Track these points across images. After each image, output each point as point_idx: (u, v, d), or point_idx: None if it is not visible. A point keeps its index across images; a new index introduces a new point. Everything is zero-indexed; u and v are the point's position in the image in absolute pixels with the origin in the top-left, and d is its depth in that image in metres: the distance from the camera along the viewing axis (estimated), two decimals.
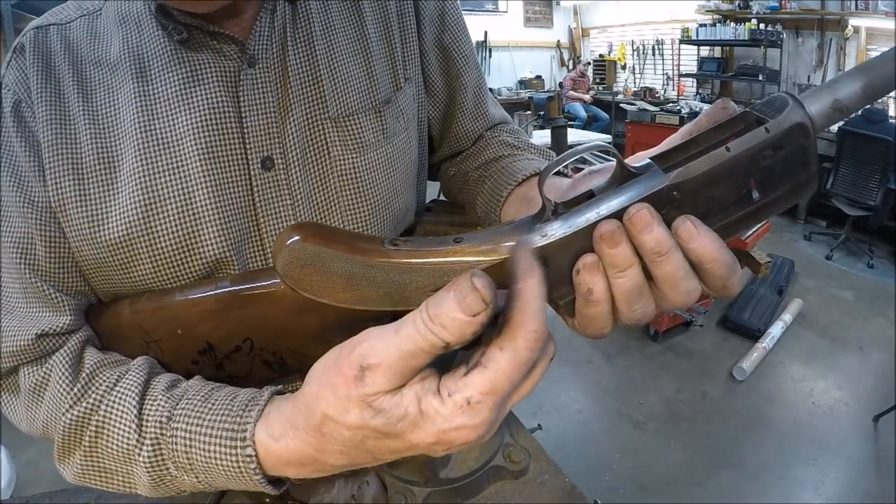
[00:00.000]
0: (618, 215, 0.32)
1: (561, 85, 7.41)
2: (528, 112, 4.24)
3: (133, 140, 0.46)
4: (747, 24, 5.44)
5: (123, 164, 0.46)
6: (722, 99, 0.37)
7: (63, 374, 0.43)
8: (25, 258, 0.45)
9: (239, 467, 0.36)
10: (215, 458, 0.37)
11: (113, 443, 0.41)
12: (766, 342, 2.79)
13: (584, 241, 0.33)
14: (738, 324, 2.93)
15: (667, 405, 2.45)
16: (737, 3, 5.76)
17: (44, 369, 0.45)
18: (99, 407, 0.42)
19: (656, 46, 7.01)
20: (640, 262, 0.33)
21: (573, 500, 0.55)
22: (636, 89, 7.17)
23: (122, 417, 0.41)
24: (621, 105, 6.39)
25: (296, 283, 0.35)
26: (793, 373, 2.67)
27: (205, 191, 0.47)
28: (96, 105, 0.47)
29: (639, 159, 0.37)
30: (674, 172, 0.33)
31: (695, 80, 6.52)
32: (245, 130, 0.48)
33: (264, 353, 0.45)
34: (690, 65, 6.52)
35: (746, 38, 5.48)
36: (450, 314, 0.27)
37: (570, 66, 8.09)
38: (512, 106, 5.93)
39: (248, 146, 0.48)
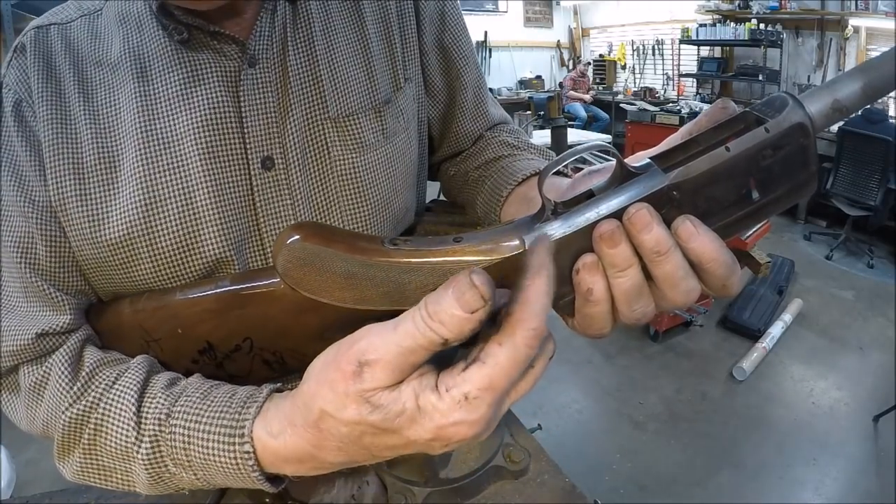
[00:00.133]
0: (617, 215, 0.32)
1: (561, 85, 7.41)
2: (528, 112, 4.24)
3: (133, 140, 0.46)
4: (747, 24, 5.44)
5: (124, 164, 0.46)
6: (722, 99, 0.37)
7: (62, 372, 0.44)
8: (26, 257, 0.45)
9: (237, 464, 0.36)
10: (213, 455, 0.37)
11: (112, 440, 0.41)
12: (766, 342, 2.79)
13: (583, 241, 0.33)
14: (738, 324, 2.93)
15: (667, 405, 2.45)
16: (737, 3, 5.76)
17: (43, 368, 0.45)
18: (98, 405, 0.42)
19: (656, 46, 7.01)
20: (639, 261, 0.32)
21: (573, 500, 0.55)
22: (636, 89, 7.17)
23: (120, 415, 0.41)
24: (621, 105, 6.39)
25: (296, 283, 0.35)
26: (793, 373, 2.67)
27: (205, 190, 0.47)
28: (97, 105, 0.47)
29: (638, 159, 0.37)
30: (673, 172, 0.33)
31: (695, 80, 6.52)
32: (245, 130, 0.48)
33: (264, 352, 0.45)
34: (690, 65, 6.52)
35: (746, 38, 5.48)
36: (448, 311, 0.27)
37: (570, 66, 8.09)
38: (512, 106, 5.93)
39: (248, 146, 0.48)
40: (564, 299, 0.35)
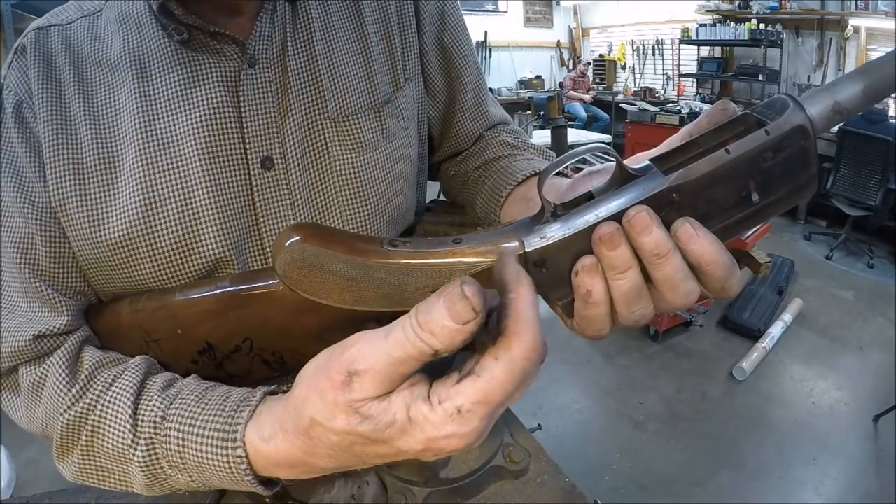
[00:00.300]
0: (617, 217, 0.32)
1: (561, 85, 7.41)
2: (528, 112, 4.24)
3: (133, 140, 0.46)
4: (747, 24, 5.44)
5: (124, 164, 0.47)
6: (722, 100, 0.37)
7: (60, 375, 0.44)
8: (25, 258, 0.46)
9: (230, 467, 0.36)
10: (207, 458, 0.37)
11: (109, 442, 0.41)
12: (766, 342, 2.79)
13: (583, 243, 0.33)
14: (738, 324, 2.93)
15: (667, 405, 2.45)
16: (737, 3, 5.76)
17: (41, 369, 0.45)
18: (95, 407, 0.42)
19: (656, 46, 7.01)
20: (638, 263, 0.32)
21: (573, 500, 0.55)
22: (636, 89, 7.17)
23: (117, 417, 0.41)
24: (621, 105, 6.39)
25: (295, 284, 0.35)
26: (793, 373, 2.67)
27: (205, 191, 0.47)
28: (97, 105, 0.47)
29: (638, 160, 0.37)
30: (673, 174, 0.32)
31: (695, 80, 6.52)
32: (245, 130, 0.48)
33: (264, 352, 0.45)
34: (690, 65, 6.52)
35: (746, 38, 5.48)
36: (439, 321, 0.26)
37: (570, 66, 8.09)
38: (512, 106, 5.93)
39: (247, 146, 0.48)
40: (563, 301, 0.35)
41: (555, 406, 2.45)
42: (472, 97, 0.66)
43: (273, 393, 0.38)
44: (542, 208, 0.34)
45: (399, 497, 0.56)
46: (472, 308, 0.26)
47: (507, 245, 0.32)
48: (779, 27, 5.32)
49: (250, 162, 0.48)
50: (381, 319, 0.46)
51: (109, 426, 0.41)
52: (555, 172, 0.34)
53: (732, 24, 5.67)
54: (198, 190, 0.47)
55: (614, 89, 7.35)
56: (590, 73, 7.51)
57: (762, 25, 5.35)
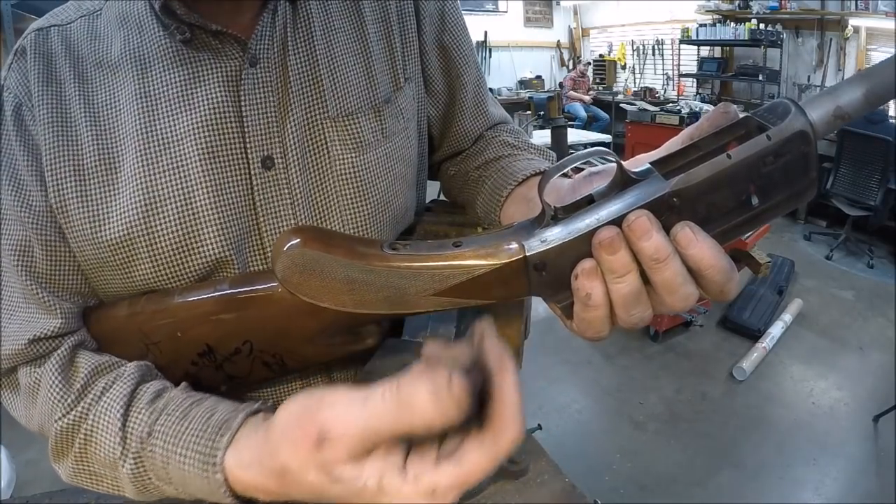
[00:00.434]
0: (617, 221, 0.32)
1: (561, 85, 7.40)
2: (528, 112, 4.24)
3: (134, 140, 0.46)
4: (747, 24, 5.44)
5: (124, 164, 0.47)
6: (724, 103, 0.37)
7: (54, 381, 0.45)
8: (22, 261, 0.46)
9: (210, 488, 0.37)
10: (189, 477, 0.38)
11: (100, 452, 0.42)
12: (766, 342, 2.79)
13: (583, 247, 0.33)
14: (738, 324, 2.93)
15: (667, 405, 2.45)
16: (737, 3, 5.76)
17: (38, 372, 0.46)
18: (87, 416, 0.43)
19: (656, 46, 7.01)
20: (638, 267, 0.33)
21: (573, 500, 0.55)
22: (636, 89, 7.17)
23: (107, 429, 0.42)
24: (621, 105, 6.38)
25: (295, 288, 0.35)
26: (793, 373, 2.67)
27: (204, 191, 0.47)
28: (97, 106, 0.47)
29: (639, 162, 0.37)
30: (674, 179, 0.32)
31: (695, 80, 6.52)
32: (245, 130, 0.48)
33: (264, 354, 0.45)
34: (690, 65, 6.52)
35: (746, 38, 5.47)
36: (421, 405, 0.26)
37: (570, 66, 8.09)
38: (512, 106, 5.92)
39: (248, 145, 0.48)
40: (563, 303, 0.35)
41: (555, 406, 2.45)
42: (473, 97, 0.66)
43: (257, 411, 0.39)
44: (542, 211, 0.34)
45: None
46: (458, 404, 0.26)
47: (508, 247, 0.32)
48: (779, 27, 5.32)
49: (251, 161, 0.48)
50: (381, 322, 0.46)
51: (100, 437, 0.42)
52: (556, 176, 0.34)
53: (732, 24, 5.67)
54: (198, 190, 0.47)
55: (614, 89, 7.35)
56: (590, 73, 7.50)
57: (762, 25, 5.35)
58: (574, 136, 4.91)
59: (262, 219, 0.50)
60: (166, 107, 0.47)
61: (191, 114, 0.47)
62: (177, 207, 0.46)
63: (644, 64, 7.25)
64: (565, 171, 0.34)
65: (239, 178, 0.48)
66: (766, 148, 0.32)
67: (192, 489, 0.38)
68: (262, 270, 0.50)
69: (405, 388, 0.27)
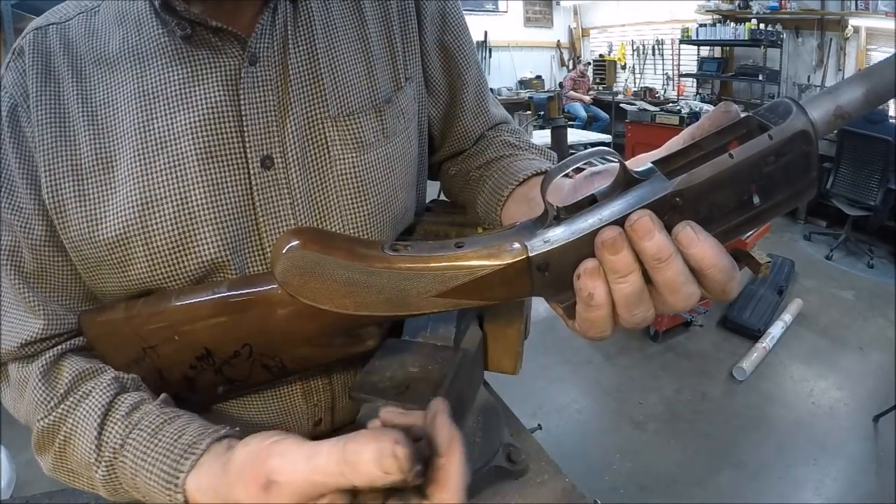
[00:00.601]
0: (619, 221, 0.32)
1: (561, 85, 7.40)
2: (528, 112, 4.23)
3: (131, 138, 0.46)
4: (747, 24, 5.44)
5: (121, 163, 0.46)
6: (725, 102, 0.37)
7: (37, 384, 0.46)
8: (12, 261, 0.47)
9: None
10: (154, 492, 0.39)
11: (77, 454, 0.44)
12: (766, 342, 2.79)
13: (585, 247, 0.33)
14: (738, 324, 2.93)
15: (667, 405, 2.44)
16: (737, 3, 5.75)
17: (25, 370, 0.48)
18: (67, 419, 0.45)
19: (656, 46, 7.00)
20: (640, 267, 0.33)
21: (573, 500, 0.55)
22: (636, 89, 7.17)
23: (84, 435, 0.44)
24: (621, 105, 6.38)
25: (295, 291, 0.35)
26: (793, 373, 2.67)
27: (202, 190, 0.47)
28: (95, 104, 0.47)
29: (640, 162, 0.37)
30: (677, 179, 0.32)
31: (695, 80, 6.51)
32: (245, 129, 0.48)
33: (264, 357, 0.45)
34: (690, 65, 6.52)
35: (746, 38, 5.47)
36: (365, 464, 0.27)
37: (570, 66, 8.08)
38: (512, 106, 5.92)
39: (247, 145, 0.48)
40: (565, 303, 0.35)
41: (555, 406, 2.44)
42: (474, 96, 0.65)
43: (223, 437, 0.40)
44: (545, 211, 0.34)
45: None
46: (400, 468, 0.26)
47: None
48: (779, 27, 5.32)
49: (250, 161, 0.48)
50: (382, 324, 0.46)
51: (78, 441, 0.44)
52: (558, 177, 0.34)
53: (732, 24, 5.66)
54: (195, 189, 0.47)
55: (614, 89, 7.34)
56: (590, 73, 7.50)
57: (762, 25, 5.34)
58: (574, 136, 4.91)
59: (261, 219, 0.50)
60: (164, 105, 0.47)
61: (189, 112, 0.47)
62: (173, 206, 0.46)
63: (644, 64, 7.25)
64: (567, 171, 0.34)
65: (238, 177, 0.48)
66: (767, 147, 0.32)
67: (158, 501, 0.40)
68: (261, 273, 0.50)
69: (350, 447, 0.28)
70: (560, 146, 3.85)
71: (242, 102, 0.48)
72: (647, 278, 0.33)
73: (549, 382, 2.56)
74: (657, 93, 6.86)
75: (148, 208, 0.46)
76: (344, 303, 0.35)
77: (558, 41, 8.19)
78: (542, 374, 2.59)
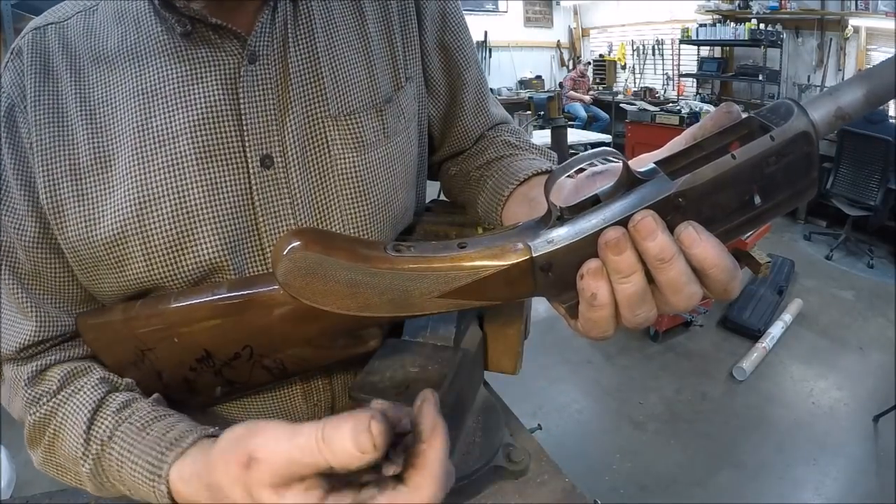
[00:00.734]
0: (623, 222, 0.32)
1: (561, 85, 7.40)
2: (528, 112, 4.23)
3: (129, 136, 0.46)
4: (747, 24, 5.44)
5: (119, 161, 0.46)
6: (726, 103, 0.37)
7: (29, 383, 0.48)
8: (7, 262, 0.48)
9: (156, 497, 0.39)
10: (138, 484, 0.40)
11: (65, 448, 0.45)
12: (766, 342, 2.79)
13: (589, 247, 0.33)
14: (738, 324, 2.93)
15: (667, 405, 2.44)
16: (737, 3, 5.75)
17: (19, 371, 0.49)
18: (57, 413, 0.46)
19: (656, 46, 7.00)
20: (643, 267, 0.33)
21: (573, 500, 0.55)
22: (636, 89, 7.17)
23: (73, 429, 0.44)
24: (621, 105, 6.38)
25: (297, 292, 0.35)
26: (793, 373, 2.67)
27: (200, 189, 0.47)
28: (93, 102, 0.47)
29: (642, 162, 0.37)
30: (680, 179, 0.33)
31: (695, 80, 6.51)
32: (244, 128, 0.48)
33: (264, 359, 0.45)
34: (690, 65, 6.52)
35: (746, 38, 5.47)
36: (341, 443, 0.27)
37: (570, 66, 8.08)
38: (512, 106, 5.92)
39: (246, 144, 0.48)
40: (568, 303, 0.35)
41: (555, 406, 2.44)
42: (474, 96, 0.65)
43: (212, 435, 0.40)
44: (548, 211, 0.34)
45: None
46: (374, 444, 0.27)
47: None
48: (779, 27, 5.32)
49: (249, 160, 0.48)
50: (383, 325, 0.46)
51: (67, 433, 0.45)
52: (562, 177, 0.34)
53: (732, 24, 5.66)
54: (193, 188, 0.47)
55: (614, 89, 7.35)
56: (590, 73, 7.50)
57: (762, 25, 5.34)
58: (574, 136, 4.91)
59: (260, 218, 0.49)
60: (163, 103, 0.47)
61: (188, 111, 0.47)
62: (171, 205, 0.46)
63: (644, 64, 7.25)
64: (571, 171, 0.34)
65: (237, 176, 0.48)
66: (769, 148, 0.33)
67: (143, 495, 0.41)
68: (262, 274, 0.50)
69: (330, 425, 0.28)
70: (560, 146, 3.85)
71: (242, 101, 0.48)
72: (650, 278, 0.33)
73: (549, 382, 2.56)
74: (657, 93, 6.86)
75: (146, 207, 0.46)
76: (346, 304, 0.35)
77: (558, 41, 8.19)
78: (542, 374, 2.59)
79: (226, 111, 0.48)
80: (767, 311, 3.01)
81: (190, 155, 0.47)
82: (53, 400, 0.47)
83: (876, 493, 1.98)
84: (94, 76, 0.48)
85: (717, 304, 3.00)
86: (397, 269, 0.34)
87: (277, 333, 0.42)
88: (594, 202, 0.34)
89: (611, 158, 0.34)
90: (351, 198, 0.53)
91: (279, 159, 0.49)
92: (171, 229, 0.46)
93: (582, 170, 0.44)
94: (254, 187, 0.49)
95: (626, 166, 0.33)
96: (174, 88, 0.47)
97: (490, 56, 7.47)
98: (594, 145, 5.59)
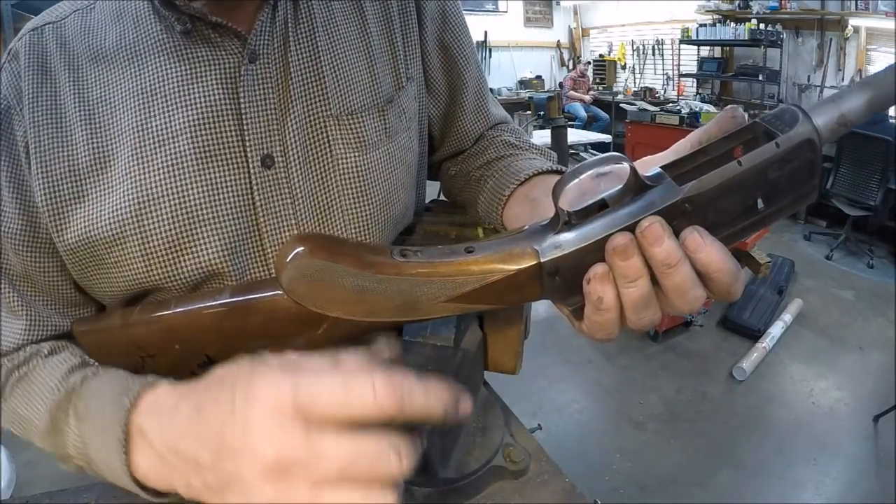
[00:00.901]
0: (630, 227, 0.33)
1: (561, 85, 7.40)
2: (528, 112, 4.23)
3: (128, 136, 0.46)
4: (747, 24, 5.44)
5: (118, 161, 0.46)
6: (732, 107, 0.38)
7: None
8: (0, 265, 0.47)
9: (115, 413, 0.37)
10: (107, 417, 0.37)
11: (35, 388, 0.45)
12: (766, 342, 2.79)
13: (596, 252, 0.33)
14: (738, 324, 2.93)
15: (667, 405, 2.44)
16: (737, 3, 5.75)
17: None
18: (30, 361, 0.47)
19: (656, 46, 7.00)
20: (648, 272, 0.33)
21: (573, 500, 0.55)
22: (636, 89, 7.17)
23: (47, 375, 0.45)
24: (621, 105, 6.39)
25: (302, 299, 0.35)
26: (793, 373, 2.67)
27: (200, 189, 0.47)
28: (92, 102, 0.47)
29: (646, 165, 0.37)
30: (687, 185, 0.33)
31: (695, 80, 6.51)
32: (245, 127, 0.48)
33: None
34: (690, 65, 6.52)
35: (746, 38, 5.47)
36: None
37: (570, 66, 8.08)
38: (512, 106, 5.92)
39: (247, 144, 0.48)
40: (574, 306, 0.35)
41: (555, 406, 2.44)
42: (474, 96, 0.65)
43: None
44: (555, 216, 0.34)
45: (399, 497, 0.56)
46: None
47: (522, 253, 0.32)
48: (779, 27, 5.32)
49: (250, 160, 0.48)
50: (388, 328, 0.45)
51: (38, 376, 0.45)
52: (571, 183, 0.34)
53: (732, 24, 5.66)
54: (193, 188, 0.47)
55: (614, 89, 7.35)
56: (590, 73, 7.50)
57: (762, 25, 5.34)
58: (574, 136, 4.90)
59: (261, 219, 0.49)
60: (162, 103, 0.47)
61: (187, 110, 0.47)
62: (171, 205, 0.46)
63: (644, 64, 7.25)
64: (580, 177, 0.34)
65: (237, 176, 0.48)
66: (774, 155, 0.33)
67: (98, 427, 0.38)
68: (265, 279, 0.50)
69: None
70: (560, 146, 3.85)
71: (242, 100, 0.48)
72: (655, 281, 0.33)
73: (549, 382, 2.56)
74: (657, 93, 6.86)
75: (145, 207, 0.46)
76: (353, 310, 0.34)
77: (558, 41, 8.19)
78: (542, 374, 2.59)
79: (226, 111, 0.47)
80: (767, 311, 3.01)
81: (190, 155, 0.46)
82: (33, 359, 0.47)
83: (876, 493, 1.98)
84: (92, 75, 0.47)
85: (717, 304, 3.00)
86: (405, 274, 0.34)
87: (281, 339, 0.42)
88: (601, 207, 0.34)
89: (618, 163, 0.34)
90: (352, 198, 0.53)
91: (280, 159, 0.49)
92: (170, 230, 0.46)
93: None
94: (254, 187, 0.49)
95: (633, 171, 0.33)
96: (174, 88, 0.47)
97: (490, 56, 7.47)
98: (594, 145, 5.60)
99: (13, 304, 0.48)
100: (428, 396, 0.28)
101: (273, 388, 0.28)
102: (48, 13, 0.50)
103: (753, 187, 0.33)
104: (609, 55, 7.62)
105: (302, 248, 0.34)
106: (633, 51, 7.33)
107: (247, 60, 0.48)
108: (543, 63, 8.10)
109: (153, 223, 0.46)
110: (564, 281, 0.34)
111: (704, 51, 6.34)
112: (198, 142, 0.47)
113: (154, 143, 0.46)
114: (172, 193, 0.46)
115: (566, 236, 0.33)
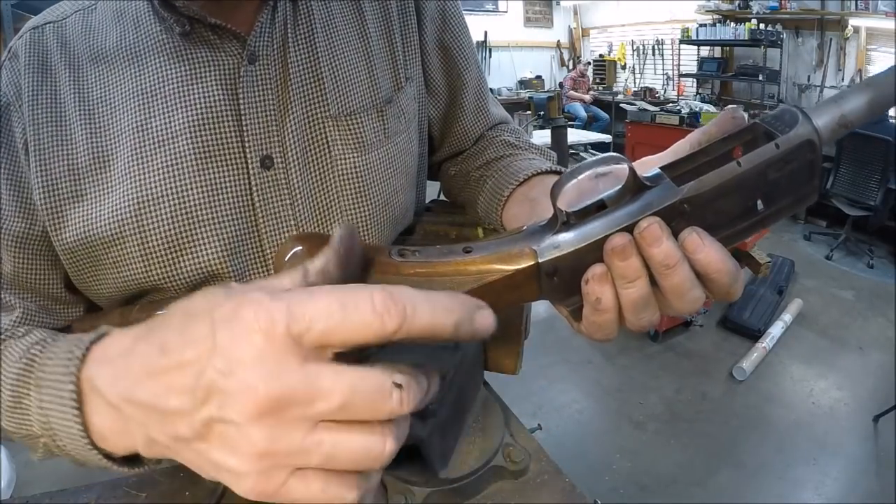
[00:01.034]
0: (628, 228, 0.33)
1: (561, 85, 7.40)
2: (528, 112, 4.23)
3: (128, 136, 0.46)
4: (747, 24, 5.44)
5: (117, 161, 0.46)
6: (732, 108, 0.38)
7: None
8: None
9: (64, 367, 0.32)
10: (54, 368, 0.33)
11: (5, 366, 0.38)
12: (766, 342, 2.79)
13: (594, 252, 0.33)
14: (738, 324, 2.93)
15: (667, 405, 2.45)
16: (737, 3, 5.76)
17: None
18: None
19: (656, 46, 7.01)
20: (647, 272, 0.33)
21: (573, 500, 0.55)
22: (636, 89, 7.17)
23: (16, 344, 0.39)
24: (621, 105, 6.38)
25: None
26: (793, 373, 2.67)
27: (199, 190, 0.47)
28: (92, 103, 0.47)
29: (645, 165, 0.37)
30: (686, 186, 0.33)
31: (695, 80, 6.51)
32: (244, 128, 0.48)
33: None
34: (690, 65, 6.52)
35: (746, 38, 5.47)
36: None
37: (570, 66, 8.09)
38: (512, 106, 5.92)
39: (246, 144, 0.48)
40: (572, 307, 0.35)
41: (555, 406, 2.44)
42: (473, 96, 0.66)
43: None
44: (553, 216, 0.34)
45: (399, 497, 0.56)
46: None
47: (520, 254, 0.32)
48: (779, 27, 5.32)
49: (249, 161, 0.48)
50: None
51: (5, 355, 0.39)
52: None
53: (732, 24, 5.66)
54: (192, 189, 0.47)
55: (614, 89, 7.35)
56: (590, 73, 7.51)
57: (762, 25, 5.35)
58: (574, 136, 4.91)
59: (260, 219, 0.49)
60: (162, 103, 0.47)
61: (187, 111, 0.47)
62: (170, 206, 0.46)
63: (644, 64, 7.25)
64: (578, 178, 0.34)
65: (237, 177, 0.48)
66: (774, 156, 0.33)
67: (53, 392, 0.32)
68: (264, 280, 0.50)
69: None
70: (560, 146, 3.85)
71: (241, 101, 0.48)
72: (654, 282, 0.33)
73: (549, 382, 2.56)
74: (657, 93, 6.87)
75: (144, 207, 0.46)
76: None
77: (558, 41, 8.20)
78: (542, 374, 2.59)
79: (225, 111, 0.47)
80: (767, 311, 3.01)
81: (189, 155, 0.47)
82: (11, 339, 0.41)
83: (876, 493, 1.98)
84: (92, 75, 0.48)
85: (717, 304, 3.00)
86: (403, 274, 0.34)
87: None
88: (599, 207, 0.34)
89: (617, 164, 0.34)
90: (352, 198, 0.53)
91: (279, 160, 0.49)
92: (169, 230, 0.46)
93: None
94: (254, 188, 0.49)
95: (632, 172, 0.33)
96: (173, 88, 0.47)
97: (490, 56, 7.47)
98: (594, 145, 5.60)
99: (8, 303, 0.48)
100: (435, 308, 0.25)
101: (264, 314, 0.24)
102: (49, 12, 0.50)
103: (753, 188, 0.33)
104: (609, 55, 7.62)
105: (300, 248, 0.34)
106: (633, 51, 7.33)
107: (246, 62, 0.48)
108: (543, 63, 8.10)
109: (152, 223, 0.46)
110: (563, 281, 0.34)
111: (704, 51, 6.35)
112: (197, 142, 0.47)
113: (154, 143, 0.46)
114: (172, 194, 0.46)
115: (564, 237, 0.33)
